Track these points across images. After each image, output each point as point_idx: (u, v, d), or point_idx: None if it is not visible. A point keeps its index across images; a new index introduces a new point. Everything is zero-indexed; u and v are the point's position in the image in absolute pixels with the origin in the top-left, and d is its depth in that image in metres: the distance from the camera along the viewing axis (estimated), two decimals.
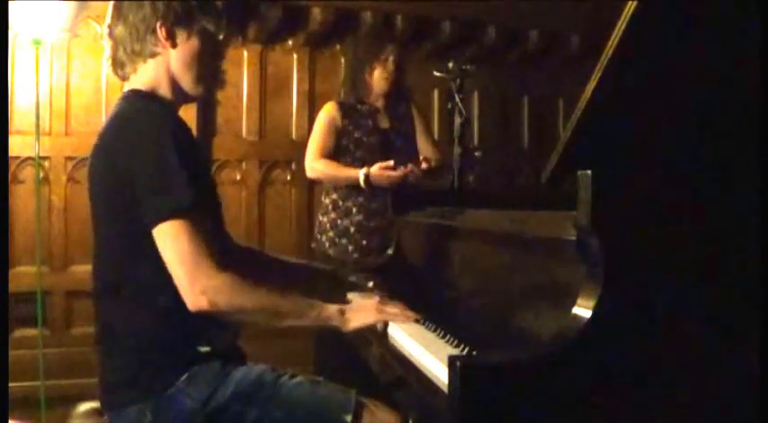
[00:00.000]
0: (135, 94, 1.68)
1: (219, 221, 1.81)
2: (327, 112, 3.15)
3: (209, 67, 1.73)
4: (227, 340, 1.68)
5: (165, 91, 1.70)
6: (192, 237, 1.49)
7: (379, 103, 3.19)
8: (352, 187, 3.07)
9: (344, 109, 3.14)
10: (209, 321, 1.59)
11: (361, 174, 2.94)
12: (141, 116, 1.60)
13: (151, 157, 1.53)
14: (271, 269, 2.07)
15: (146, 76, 1.69)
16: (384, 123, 3.17)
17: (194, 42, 1.69)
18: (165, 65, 1.68)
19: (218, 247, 1.57)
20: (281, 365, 1.70)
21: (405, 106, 3.25)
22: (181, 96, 1.73)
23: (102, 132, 1.67)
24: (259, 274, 1.78)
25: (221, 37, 1.72)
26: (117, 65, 1.71)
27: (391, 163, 2.88)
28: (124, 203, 1.55)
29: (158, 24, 1.65)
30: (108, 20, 1.71)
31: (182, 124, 1.66)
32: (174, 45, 1.67)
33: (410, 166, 2.92)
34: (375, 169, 2.91)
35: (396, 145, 3.14)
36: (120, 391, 1.62)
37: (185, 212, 1.49)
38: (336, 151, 3.11)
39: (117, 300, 1.63)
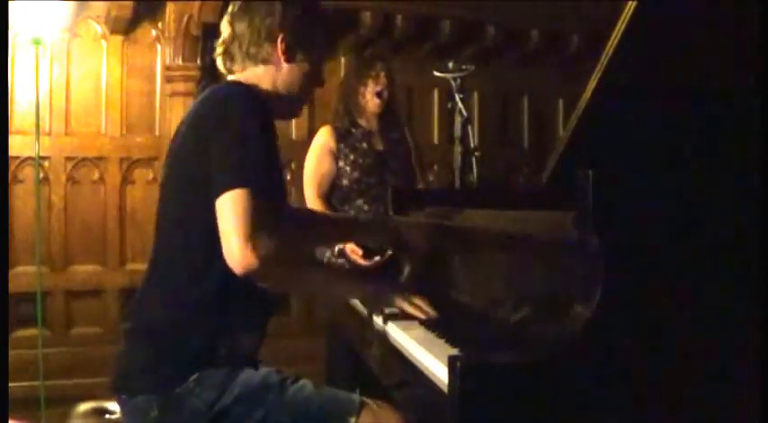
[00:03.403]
0: (236, 83, 1.71)
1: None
2: (322, 138, 3.21)
3: (306, 94, 1.79)
4: (248, 347, 1.68)
5: (265, 92, 1.72)
6: (254, 206, 1.50)
7: (374, 126, 3.22)
8: (347, 211, 3.15)
9: (339, 133, 3.19)
10: (235, 326, 1.62)
11: (337, 246, 3.05)
12: (239, 97, 1.61)
13: (236, 134, 1.55)
14: (321, 225, 2.14)
15: (252, 76, 1.72)
16: (379, 145, 3.21)
17: (305, 66, 1.73)
18: (273, 74, 1.72)
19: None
20: (287, 366, 1.71)
21: (399, 132, 3.30)
22: (275, 104, 1.74)
23: (198, 104, 1.69)
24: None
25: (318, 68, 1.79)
26: (227, 57, 1.74)
27: (360, 252, 2.97)
28: (198, 171, 1.57)
29: (281, 37, 1.69)
30: (232, 10, 1.73)
31: (272, 120, 1.67)
32: (288, 60, 1.71)
33: (378, 258, 2.95)
34: (348, 248, 3.00)
35: (391, 166, 3.19)
36: (132, 377, 1.63)
37: (254, 185, 1.51)
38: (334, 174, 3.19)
39: (157, 285, 1.66)
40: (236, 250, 1.49)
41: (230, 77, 1.75)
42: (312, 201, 3.18)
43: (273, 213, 1.54)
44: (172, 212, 1.68)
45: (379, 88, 3.15)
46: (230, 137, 1.55)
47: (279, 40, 1.69)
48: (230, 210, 1.50)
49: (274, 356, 1.71)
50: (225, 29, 1.74)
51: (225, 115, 1.58)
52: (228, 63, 1.74)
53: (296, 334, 3.88)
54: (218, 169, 1.54)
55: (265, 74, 1.72)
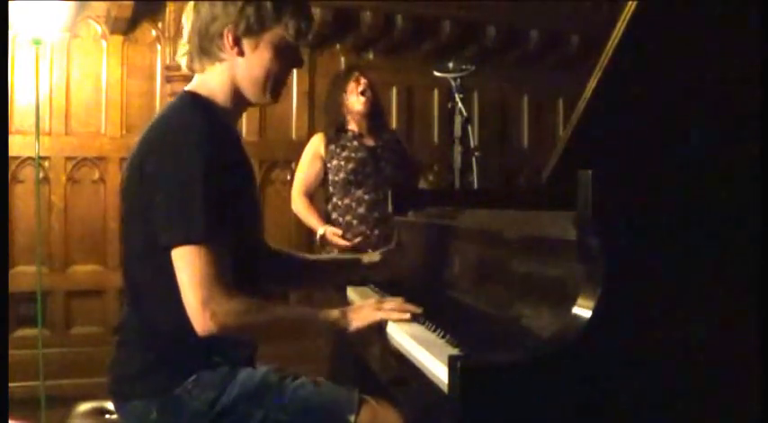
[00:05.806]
0: (190, 98, 1.64)
1: (257, 232, 1.80)
2: (313, 144, 3.43)
3: (278, 77, 1.66)
4: (242, 356, 1.67)
5: (223, 100, 1.65)
6: (206, 264, 1.47)
7: (363, 128, 3.37)
8: (349, 204, 3.31)
9: (329, 137, 3.36)
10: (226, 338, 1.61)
11: (319, 230, 3.30)
12: (183, 131, 1.54)
13: (178, 179, 1.49)
14: (299, 268, 2.07)
15: (210, 79, 1.65)
16: (370, 142, 3.37)
17: (264, 53, 1.62)
18: (230, 72, 1.63)
19: (245, 264, 1.58)
20: (288, 366, 1.70)
21: (390, 132, 3.51)
22: (242, 105, 1.70)
23: (145, 134, 1.62)
24: (287, 276, 1.95)
25: (298, 44, 1.66)
26: (189, 57, 1.68)
27: (339, 232, 3.24)
28: (147, 213, 1.53)
29: (225, 30, 1.59)
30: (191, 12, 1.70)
31: (227, 138, 1.61)
32: (240, 53, 1.61)
33: (358, 239, 3.25)
34: (329, 232, 3.26)
35: (386, 157, 3.35)
36: (128, 383, 1.62)
37: (200, 242, 1.47)
38: (329, 171, 3.36)
39: (139, 299, 1.64)
40: (194, 315, 1.48)
41: (191, 84, 1.68)
42: (296, 198, 3.42)
43: (227, 260, 1.49)
44: (136, 248, 1.62)
45: (361, 88, 3.30)
46: (171, 184, 1.49)
47: (225, 35, 1.59)
48: (182, 268, 1.48)
49: (275, 357, 1.71)
50: (186, 31, 1.71)
51: (163, 159, 1.51)
52: (191, 64, 1.68)
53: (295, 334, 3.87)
54: (163, 222, 1.50)
55: (223, 76, 1.64)
